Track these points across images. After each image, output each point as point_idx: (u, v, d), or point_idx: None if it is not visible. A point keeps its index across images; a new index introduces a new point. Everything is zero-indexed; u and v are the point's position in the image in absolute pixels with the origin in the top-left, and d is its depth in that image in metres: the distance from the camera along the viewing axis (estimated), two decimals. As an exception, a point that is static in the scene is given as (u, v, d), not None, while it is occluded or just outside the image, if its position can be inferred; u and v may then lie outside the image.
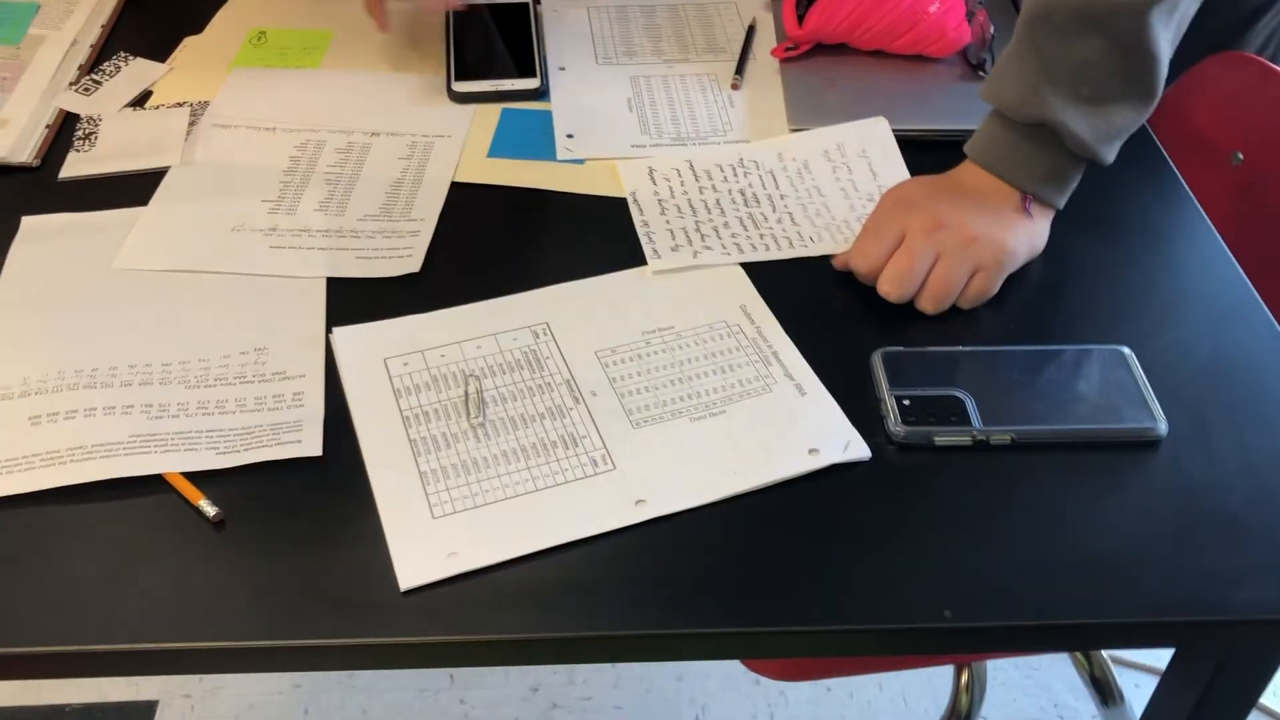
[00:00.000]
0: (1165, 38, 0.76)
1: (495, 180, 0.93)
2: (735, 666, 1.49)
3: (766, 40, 1.08)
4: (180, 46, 1.06)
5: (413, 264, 0.84)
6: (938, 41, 0.99)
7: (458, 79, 1.01)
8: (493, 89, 1.01)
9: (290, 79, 1.03)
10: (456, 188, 0.92)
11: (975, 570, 0.65)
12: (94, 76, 1.01)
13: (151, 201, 0.89)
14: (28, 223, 0.86)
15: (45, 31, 1.04)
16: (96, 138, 0.95)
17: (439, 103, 1.01)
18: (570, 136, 0.96)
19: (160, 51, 1.05)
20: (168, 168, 0.92)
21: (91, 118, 0.97)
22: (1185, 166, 0.95)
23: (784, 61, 1.04)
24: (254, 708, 1.48)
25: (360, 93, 1.02)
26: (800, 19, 1.02)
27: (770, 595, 0.63)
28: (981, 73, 1.00)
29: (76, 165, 0.93)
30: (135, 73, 1.02)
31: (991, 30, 1.00)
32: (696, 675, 1.52)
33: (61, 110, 0.97)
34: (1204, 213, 0.90)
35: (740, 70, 1.03)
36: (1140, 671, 1.49)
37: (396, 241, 0.86)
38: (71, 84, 1.00)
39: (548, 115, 0.99)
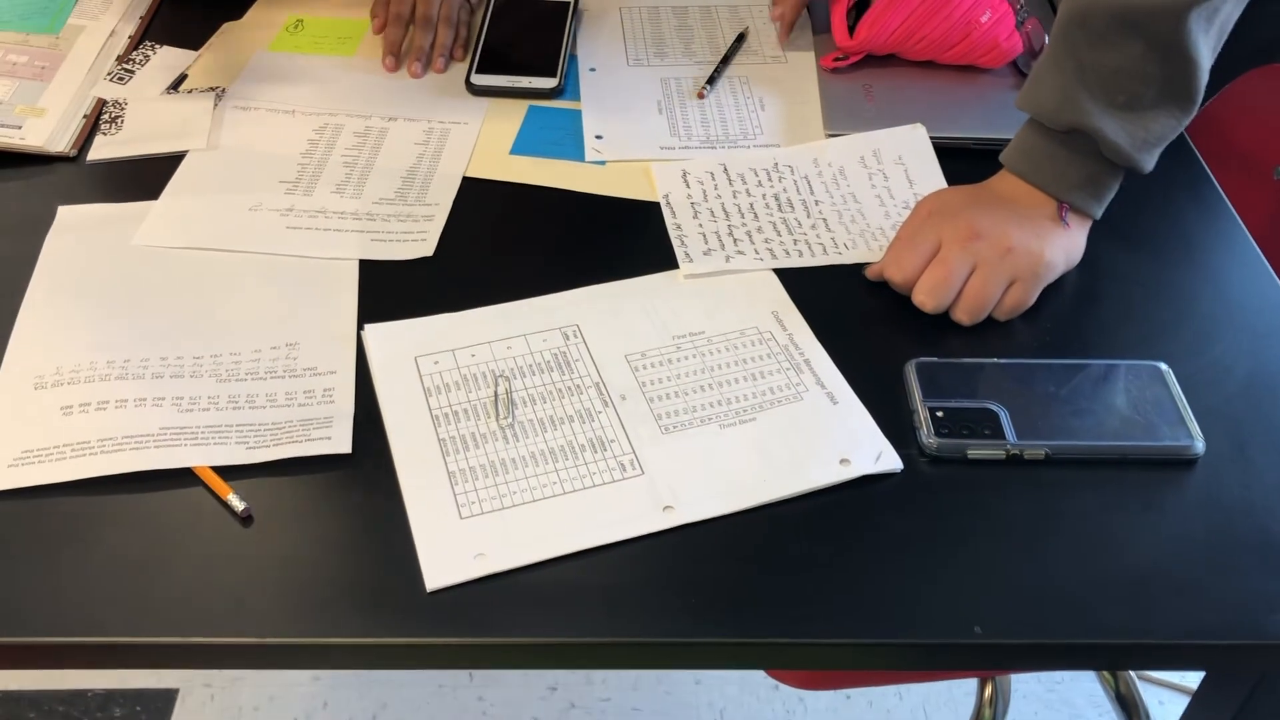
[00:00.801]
0: (1205, 43, 0.75)
1: (519, 179, 0.92)
2: (755, 672, 1.48)
3: (802, 45, 1.07)
4: (218, 32, 1.07)
5: (426, 248, 0.85)
6: (990, 52, 0.98)
7: (478, 72, 1.01)
8: (509, 85, 1.01)
9: (312, 64, 1.04)
10: (483, 185, 0.91)
11: (1006, 586, 0.64)
12: (125, 65, 1.01)
13: (171, 181, 0.90)
14: (64, 213, 0.87)
15: (85, 21, 1.05)
16: (123, 121, 0.96)
17: (458, 92, 1.01)
18: (599, 138, 0.96)
19: (198, 41, 1.05)
20: (192, 150, 0.93)
21: (118, 101, 0.97)
22: (1225, 180, 0.94)
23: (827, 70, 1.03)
24: (274, 699, 1.49)
25: (381, 78, 1.02)
26: (850, 29, 1.01)
27: (797, 605, 0.63)
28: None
29: (103, 148, 0.93)
30: (165, 60, 1.03)
31: (1045, 39, 0.99)
32: (715, 680, 1.52)
33: (99, 100, 0.98)
34: (1245, 227, 0.89)
35: (712, 81, 1.01)
36: (1166, 689, 1.47)
37: (411, 225, 0.87)
38: (108, 74, 1.00)
39: (574, 114, 0.99)
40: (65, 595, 0.63)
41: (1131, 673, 1.12)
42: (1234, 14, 0.75)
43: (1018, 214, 0.79)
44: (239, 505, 0.66)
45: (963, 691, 1.50)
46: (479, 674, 1.52)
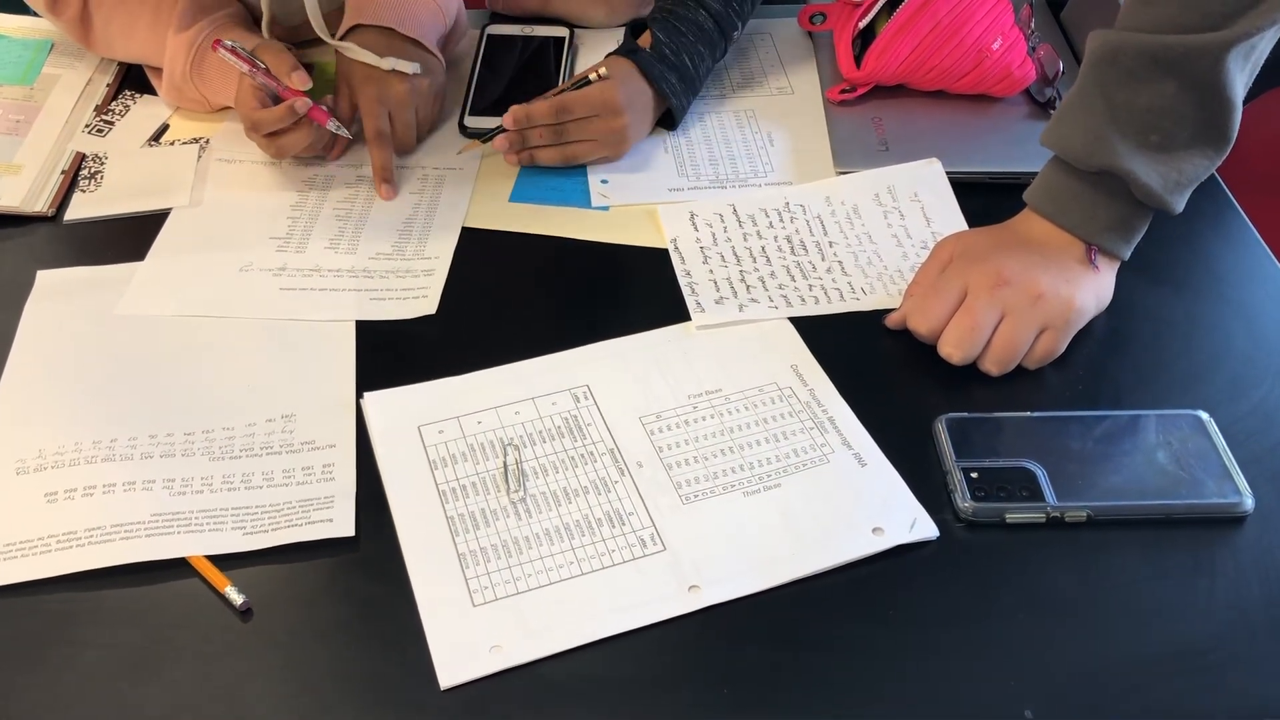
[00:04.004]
0: (1240, 80, 0.72)
1: (520, 228, 0.88)
2: None
3: (808, 76, 1.03)
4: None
5: (429, 305, 0.81)
6: (1002, 80, 0.95)
7: (472, 114, 0.97)
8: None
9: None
10: (481, 236, 0.87)
11: (1055, 663, 0.60)
12: (104, 116, 0.97)
13: (155, 242, 0.86)
14: (43, 278, 0.83)
15: (59, 70, 1.01)
16: (102, 177, 0.91)
17: (450, 135, 0.97)
18: (605, 182, 0.92)
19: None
20: (175, 208, 0.89)
21: (97, 156, 0.93)
22: (1246, 205, 0.91)
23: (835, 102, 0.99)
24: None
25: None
26: (857, 60, 0.97)
27: (837, 693, 0.59)
28: (1051, 110, 0.95)
29: (82, 207, 0.89)
30: (145, 109, 0.98)
31: (1060, 66, 0.96)
32: None
33: (78, 154, 0.93)
34: (1275, 258, 0.86)
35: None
36: None
37: (411, 281, 0.83)
38: (86, 126, 0.96)
39: (573, 157, 0.95)
40: (51, 702, 0.59)
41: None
42: (1267, 50, 0.72)
43: (1045, 257, 0.76)
44: (237, 599, 0.62)
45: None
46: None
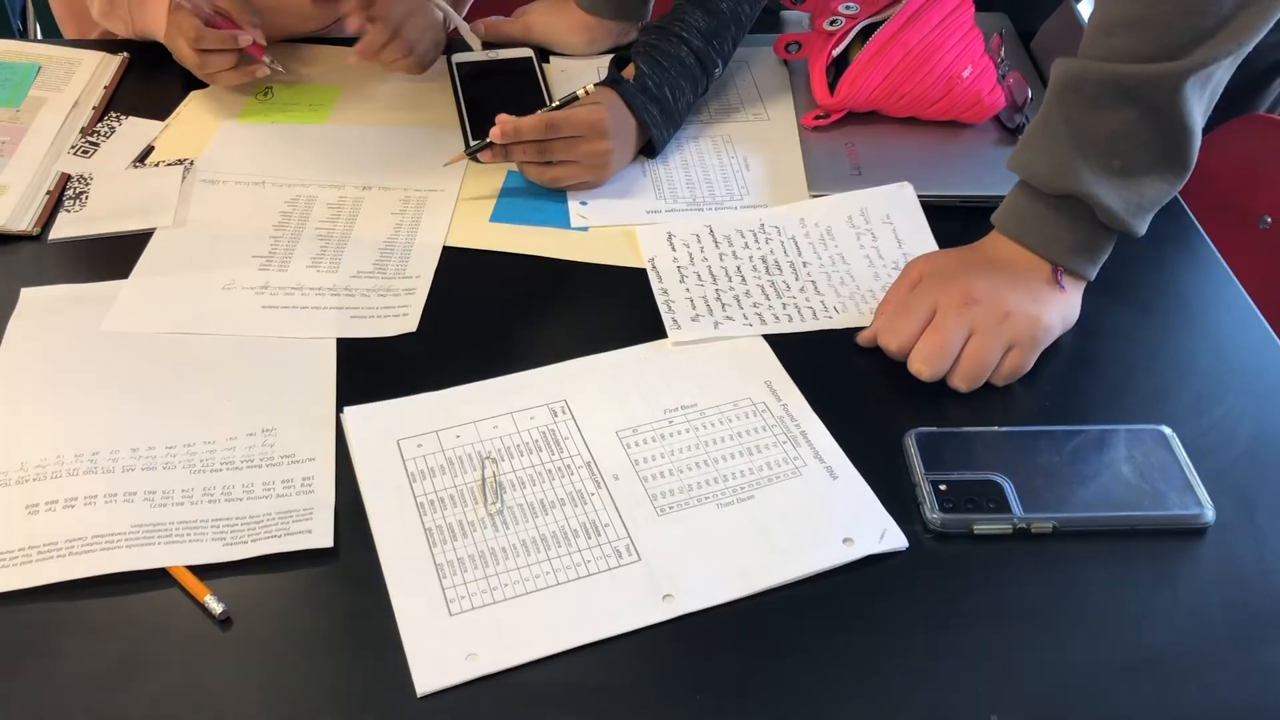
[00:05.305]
0: (1199, 108, 0.74)
1: (501, 247, 0.90)
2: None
3: (783, 103, 1.06)
4: (185, 101, 1.04)
5: (409, 323, 0.82)
6: (973, 107, 0.97)
7: (475, 138, 0.99)
8: None
9: (282, 132, 1.01)
10: (463, 254, 0.89)
11: (1021, 671, 0.61)
12: (90, 138, 0.98)
13: (140, 261, 0.87)
14: (27, 295, 0.83)
15: (46, 93, 1.02)
16: (87, 197, 0.92)
17: (432, 156, 0.98)
18: (584, 204, 0.94)
19: (165, 110, 1.03)
20: (159, 228, 0.90)
21: (82, 176, 0.94)
22: (1210, 230, 0.93)
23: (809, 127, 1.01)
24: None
25: (354, 147, 0.99)
26: (831, 87, 1.00)
27: (805, 699, 0.60)
28: (1019, 136, 0.98)
29: (67, 226, 0.90)
30: (131, 131, 1.00)
31: (1029, 93, 0.98)
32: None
33: (63, 174, 0.94)
34: (1238, 282, 0.88)
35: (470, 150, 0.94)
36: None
37: (392, 300, 0.84)
38: (72, 147, 0.97)
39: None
40: (30, 712, 0.59)
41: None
42: (1225, 78, 0.74)
43: (1013, 277, 0.78)
44: (217, 608, 0.63)
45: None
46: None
